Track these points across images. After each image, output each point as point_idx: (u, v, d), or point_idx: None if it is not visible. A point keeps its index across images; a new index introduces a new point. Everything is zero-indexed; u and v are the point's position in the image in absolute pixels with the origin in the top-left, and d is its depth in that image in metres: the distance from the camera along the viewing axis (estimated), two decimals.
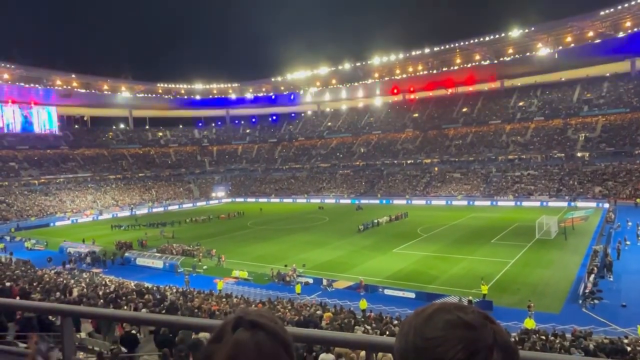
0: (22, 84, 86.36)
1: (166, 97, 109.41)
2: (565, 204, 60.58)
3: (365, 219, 53.70)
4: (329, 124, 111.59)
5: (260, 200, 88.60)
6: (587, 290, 25.07)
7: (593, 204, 57.22)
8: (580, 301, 24.72)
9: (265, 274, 33.41)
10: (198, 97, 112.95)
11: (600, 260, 30.52)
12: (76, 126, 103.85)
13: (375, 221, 52.67)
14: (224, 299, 24.77)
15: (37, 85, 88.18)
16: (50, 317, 10.75)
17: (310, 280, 31.33)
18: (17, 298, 14.40)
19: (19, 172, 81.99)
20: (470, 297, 25.23)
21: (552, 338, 17.08)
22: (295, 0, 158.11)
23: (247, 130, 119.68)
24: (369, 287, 28.93)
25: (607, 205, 55.85)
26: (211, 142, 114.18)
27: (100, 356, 8.33)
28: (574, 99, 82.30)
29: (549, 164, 73.62)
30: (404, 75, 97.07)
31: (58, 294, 17.83)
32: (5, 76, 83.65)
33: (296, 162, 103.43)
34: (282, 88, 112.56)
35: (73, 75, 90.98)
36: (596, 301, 24.36)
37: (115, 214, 76.30)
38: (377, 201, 77.31)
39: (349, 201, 79.72)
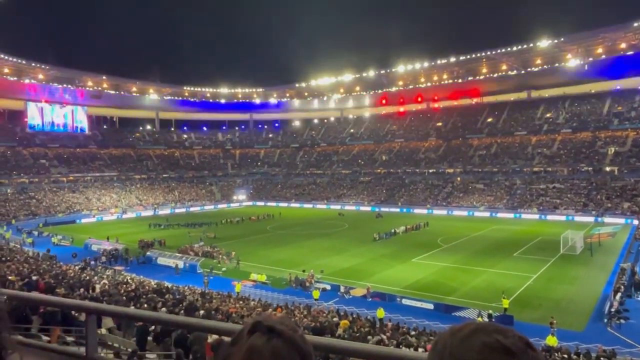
0: (56, 84, 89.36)
1: (192, 100, 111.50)
2: (592, 219, 58.91)
3: (384, 228, 53.35)
4: (352, 130, 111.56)
5: (281, 204, 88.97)
6: (613, 309, 24.29)
7: (621, 220, 55.46)
8: (606, 320, 23.96)
9: (283, 279, 33.49)
10: (223, 101, 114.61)
11: (628, 278, 29.55)
12: (105, 126, 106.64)
13: (393, 230, 52.20)
14: (241, 302, 24.93)
15: (69, 86, 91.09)
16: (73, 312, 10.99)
17: (328, 287, 31.24)
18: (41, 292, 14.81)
19: (49, 169, 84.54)
20: (491, 311, 24.74)
21: (575, 357, 16.60)
22: (321, 8, 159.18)
23: (270, 135, 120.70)
24: (387, 296, 28.67)
25: (636, 222, 54.07)
26: (234, 146, 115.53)
27: (118, 355, 8.51)
28: (603, 112, 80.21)
29: (576, 177, 71.80)
30: (429, 84, 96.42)
31: (82, 289, 18.24)
32: (40, 76, 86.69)
33: (317, 167, 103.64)
34: (306, 94, 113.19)
35: (104, 77, 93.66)
36: (622, 321, 23.57)
37: (139, 213, 77.78)
38: (398, 210, 76.74)
39: (369, 209, 79.35)
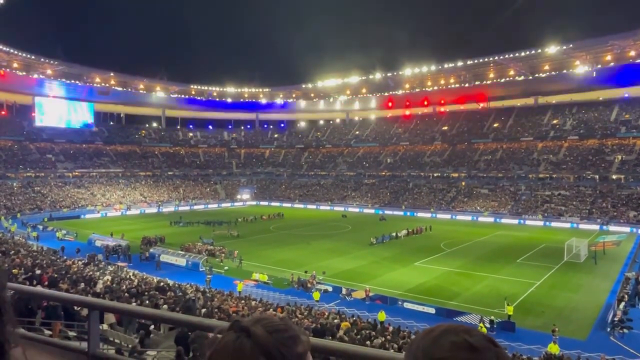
0: (64, 80, 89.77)
1: (199, 98, 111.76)
2: (596, 227, 58.56)
3: (387, 231, 53.19)
4: (357, 132, 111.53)
5: (284, 205, 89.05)
6: (616, 318, 24.12)
7: (627, 229, 55.12)
8: (609, 329, 23.80)
9: (285, 279, 33.50)
10: (229, 100, 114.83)
11: (632, 287, 29.34)
12: (111, 123, 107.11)
13: (394, 234, 51.78)
14: (242, 301, 24.96)
15: (77, 82, 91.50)
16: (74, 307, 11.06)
17: (330, 288, 31.23)
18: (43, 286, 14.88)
19: (55, 164, 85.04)
20: (492, 317, 24.61)
21: None
22: (329, 9, 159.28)
23: (275, 135, 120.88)
24: (389, 299, 28.61)
25: None
26: (239, 145, 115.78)
27: (119, 351, 8.54)
28: (611, 119, 79.76)
29: (582, 184, 71.40)
30: (435, 88, 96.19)
31: (83, 284, 18.32)
32: (48, 72, 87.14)
33: (322, 169, 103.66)
34: (312, 95, 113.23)
35: (111, 74, 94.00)
36: (625, 330, 23.39)
37: (143, 210, 78.08)
38: (402, 213, 76.59)
39: (372, 211, 79.23)
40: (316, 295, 29.01)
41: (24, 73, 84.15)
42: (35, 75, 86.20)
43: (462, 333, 1.00)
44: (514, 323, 24.07)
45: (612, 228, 56.44)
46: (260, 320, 1.08)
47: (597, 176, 71.22)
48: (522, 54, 77.42)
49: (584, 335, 23.30)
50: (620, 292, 28.13)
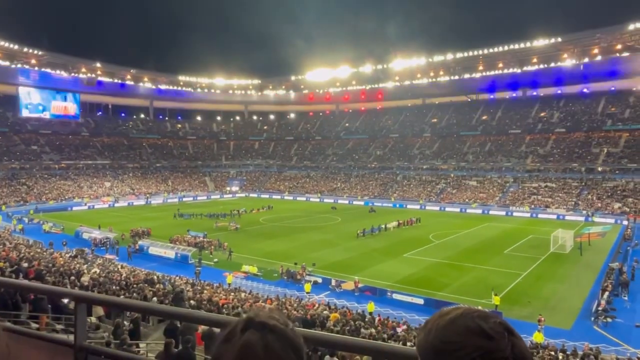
0: (49, 69, 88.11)
1: (187, 89, 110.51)
2: (582, 218, 59.49)
3: (376, 223, 53.32)
4: (347, 124, 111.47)
5: (274, 197, 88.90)
6: (600, 308, 24.61)
7: (611, 220, 56.03)
8: (593, 318, 24.28)
9: (274, 271, 33.55)
10: (218, 92, 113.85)
11: (616, 278, 29.92)
12: (98, 113, 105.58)
13: (382, 226, 51.62)
14: (232, 293, 24.94)
15: (62, 72, 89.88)
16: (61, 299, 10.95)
17: (319, 280, 31.35)
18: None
19: (40, 155, 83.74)
20: (479, 307, 24.90)
21: (562, 354, 16.81)
22: (319, 2, 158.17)
23: (265, 127, 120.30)
24: (378, 290, 28.82)
25: (625, 222, 54.70)
26: (228, 137, 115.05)
27: (107, 344, 8.48)
28: (597, 112, 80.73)
29: (568, 177, 72.37)
30: (425, 80, 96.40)
31: (72, 277, 18.15)
32: (33, 61, 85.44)
33: (311, 160, 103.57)
34: (302, 87, 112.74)
35: (98, 64, 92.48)
36: (609, 319, 23.89)
37: (132, 202, 77.36)
38: (391, 205, 76.96)
39: (362, 203, 79.49)
40: (307, 287, 29.10)
41: (8, 63, 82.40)
42: (19, 65, 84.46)
43: (477, 318, 0.98)
44: (500, 313, 24.37)
45: (597, 219, 57.38)
46: (270, 314, 1.06)
47: (583, 168, 72.21)
48: (511, 47, 77.88)
49: (568, 324, 23.74)
50: (604, 282, 28.67)
